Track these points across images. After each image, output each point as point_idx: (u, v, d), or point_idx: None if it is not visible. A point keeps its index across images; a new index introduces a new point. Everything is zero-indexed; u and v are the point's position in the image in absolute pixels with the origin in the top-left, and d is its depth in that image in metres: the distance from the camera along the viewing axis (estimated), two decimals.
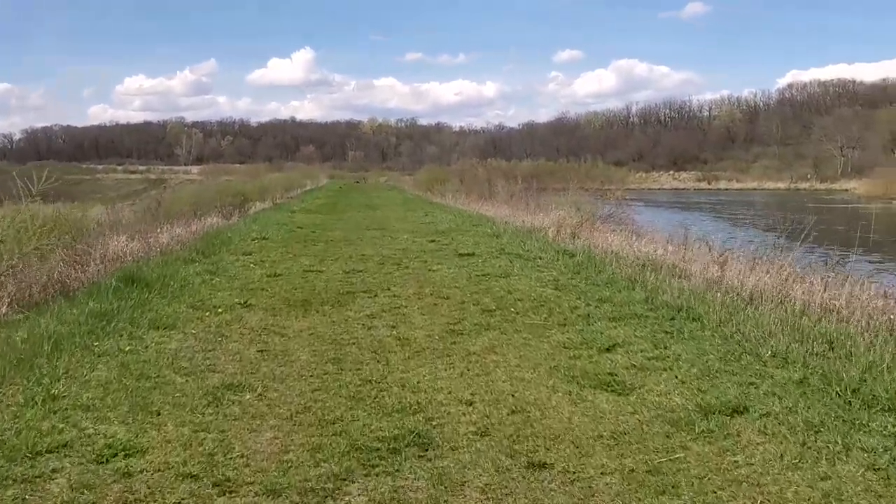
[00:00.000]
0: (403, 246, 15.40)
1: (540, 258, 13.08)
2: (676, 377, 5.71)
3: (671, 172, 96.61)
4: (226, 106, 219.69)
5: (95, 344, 7.04)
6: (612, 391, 5.38)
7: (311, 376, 6.12)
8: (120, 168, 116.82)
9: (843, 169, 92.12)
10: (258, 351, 7.02)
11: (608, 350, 6.59)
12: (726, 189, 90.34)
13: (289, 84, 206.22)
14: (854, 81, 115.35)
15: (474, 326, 7.82)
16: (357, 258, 13.57)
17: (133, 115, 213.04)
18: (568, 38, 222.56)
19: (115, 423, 4.95)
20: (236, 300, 9.43)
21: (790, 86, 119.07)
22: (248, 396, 5.55)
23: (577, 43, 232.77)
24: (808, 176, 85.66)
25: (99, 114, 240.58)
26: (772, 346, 6.42)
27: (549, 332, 7.46)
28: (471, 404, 5.21)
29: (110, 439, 4.63)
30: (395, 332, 7.61)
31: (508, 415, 4.97)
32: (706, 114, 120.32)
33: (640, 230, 20.12)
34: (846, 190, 76.19)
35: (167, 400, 5.43)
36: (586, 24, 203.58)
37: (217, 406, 5.31)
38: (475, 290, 10.13)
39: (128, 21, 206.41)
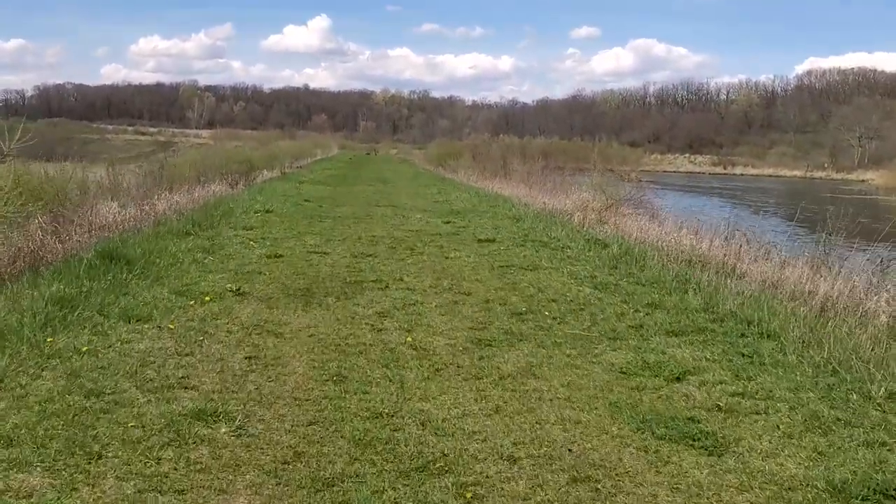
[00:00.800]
0: (417, 227, 14.06)
1: (569, 248, 11.73)
2: (778, 427, 4.39)
3: (687, 155, 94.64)
4: (240, 71, 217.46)
5: (48, 340, 5.75)
6: (701, 449, 4.07)
7: (306, 400, 4.83)
8: (131, 129, 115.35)
9: (860, 159, 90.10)
10: (245, 357, 5.72)
11: (678, 380, 5.27)
12: (742, 175, 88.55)
13: (304, 51, 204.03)
14: (874, 70, 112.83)
15: (504, 335, 6.50)
16: (367, 239, 12.25)
17: (146, 76, 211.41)
18: (586, 15, 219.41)
19: (38, 471, 3.65)
20: (228, 286, 8.12)
21: (809, 73, 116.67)
22: (223, 430, 4.26)
23: (595, 20, 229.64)
24: (826, 165, 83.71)
25: (112, 73, 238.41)
26: (882, 383, 5.09)
27: (598, 349, 6.14)
28: (515, 462, 3.90)
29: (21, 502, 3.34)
30: (410, 339, 6.29)
31: (568, 484, 3.65)
32: (724, 97, 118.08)
33: (669, 217, 18.72)
34: (863, 181, 74.28)
35: (116, 433, 4.14)
36: (605, 2, 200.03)
37: (180, 446, 4.01)
38: (500, 285, 8.81)
39: None
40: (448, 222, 14.81)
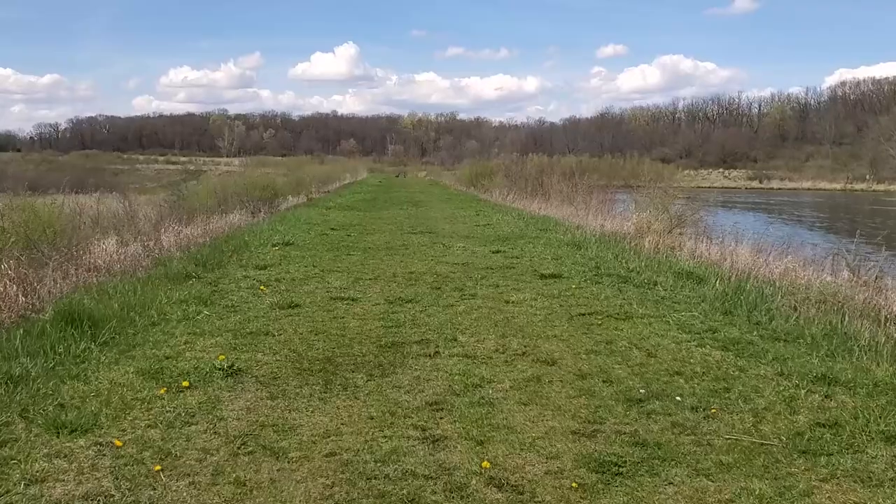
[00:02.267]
0: (461, 258, 11.71)
1: (656, 283, 9.30)
2: None
3: (721, 170, 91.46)
4: (269, 99, 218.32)
5: None
6: None
7: None
8: (161, 159, 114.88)
9: None
10: None
11: None
12: (779, 189, 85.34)
13: (331, 78, 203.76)
14: None
15: (630, 447, 4.10)
16: (403, 277, 9.92)
17: (177, 106, 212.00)
18: (611, 33, 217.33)
19: None
20: (220, 359, 5.80)
21: (843, 83, 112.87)
22: None
23: (620, 38, 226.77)
24: (867, 177, 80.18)
25: (144, 105, 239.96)
26: None
27: (795, 474, 3.71)
28: None
29: None
30: (486, 464, 3.90)
31: None
32: (755, 111, 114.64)
33: (743, 238, 16.20)
34: None
35: None
36: (630, 20, 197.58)
37: None
38: (590, 345, 6.41)
39: (175, 13, 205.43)
40: (497, 252, 12.43)
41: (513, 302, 8.26)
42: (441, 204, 26.98)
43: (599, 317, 7.53)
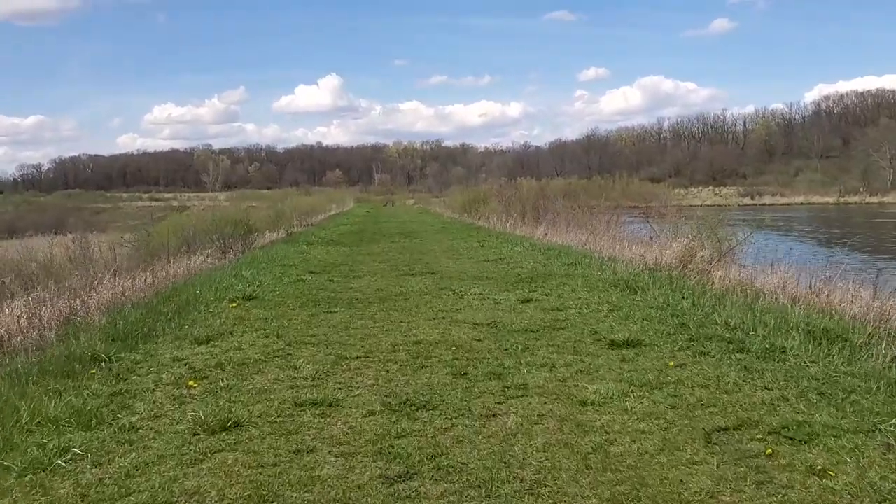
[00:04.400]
0: (483, 314, 8.40)
1: (787, 351, 6.04)
2: None
3: (711, 188, 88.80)
4: (254, 133, 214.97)
5: None
6: None
7: None
8: (146, 196, 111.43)
9: (894, 181, 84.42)
10: None
11: None
12: (772, 204, 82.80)
13: (316, 110, 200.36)
14: (893, 91, 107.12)
15: None
16: (407, 353, 6.59)
17: (162, 143, 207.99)
18: (592, 57, 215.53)
19: None
20: None
21: (826, 97, 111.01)
22: None
23: (601, 61, 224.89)
24: (861, 189, 77.81)
25: (129, 143, 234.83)
26: None
27: None
28: None
29: None
30: None
31: None
32: (740, 127, 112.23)
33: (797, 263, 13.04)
34: None
35: None
36: (610, 43, 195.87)
37: None
38: None
39: (158, 50, 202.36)
40: (528, 300, 9.12)
41: (592, 404, 4.95)
42: (437, 234, 23.67)
43: (758, 435, 4.26)
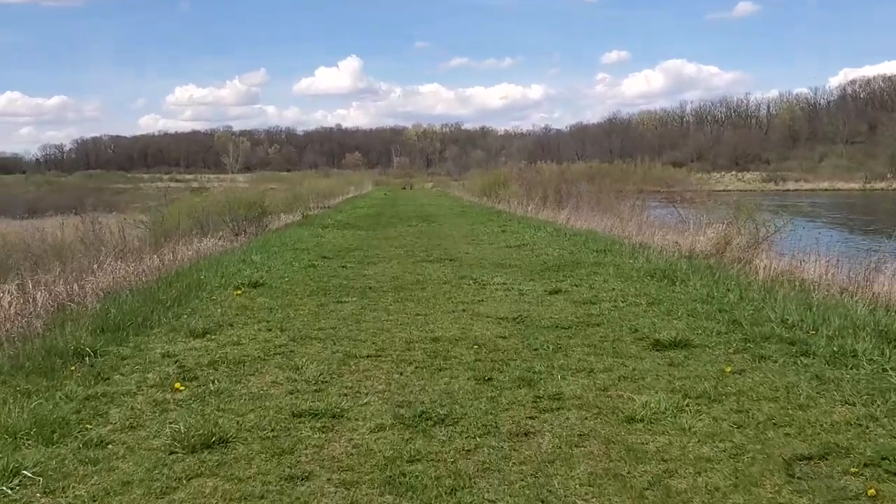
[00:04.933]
0: (508, 306, 7.60)
1: (858, 355, 5.20)
2: None
3: (734, 173, 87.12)
4: (274, 115, 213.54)
5: None
6: None
7: None
8: (166, 177, 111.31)
9: None
10: None
11: None
12: (796, 190, 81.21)
13: (336, 93, 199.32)
14: None
15: None
16: (424, 351, 5.82)
17: (183, 124, 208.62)
18: (614, 39, 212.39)
19: None
20: None
21: (852, 81, 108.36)
22: None
23: (623, 44, 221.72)
24: (888, 175, 75.90)
25: (150, 124, 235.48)
26: None
27: None
28: None
29: None
30: None
31: None
32: (764, 112, 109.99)
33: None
34: None
35: None
36: (633, 26, 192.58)
37: None
38: None
39: (180, 33, 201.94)
40: (556, 291, 8.30)
41: (642, 420, 4.15)
42: (456, 218, 22.86)
43: (852, 468, 3.45)
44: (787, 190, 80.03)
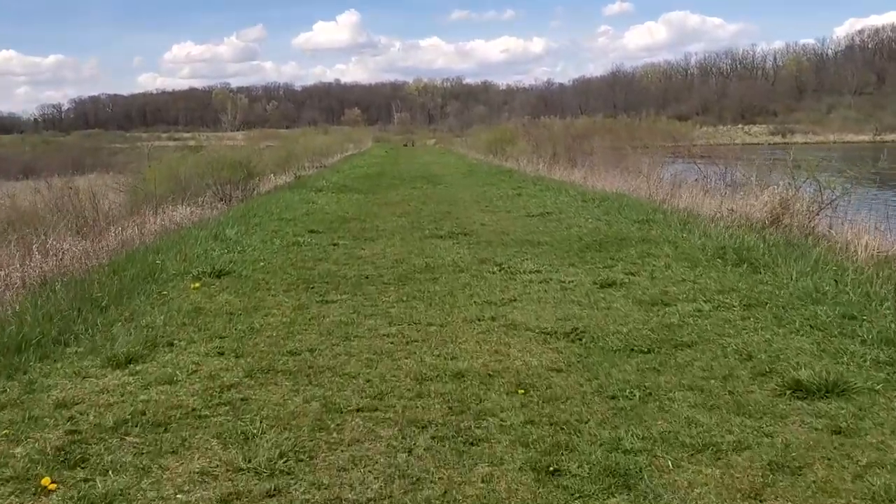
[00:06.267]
0: (553, 314, 5.53)
1: None
2: None
3: (741, 126, 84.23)
4: (272, 71, 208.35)
5: None
6: None
7: None
8: (164, 135, 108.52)
9: None
10: None
11: None
12: (804, 143, 78.33)
13: (334, 47, 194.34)
14: None
15: None
16: (443, 405, 3.77)
17: (181, 82, 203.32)
18: None
19: None
20: None
21: (860, 31, 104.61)
22: None
23: None
24: None
25: (148, 82, 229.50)
26: None
27: None
28: None
29: None
30: None
31: None
32: (770, 64, 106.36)
33: None
34: None
35: None
36: None
37: None
38: None
39: None
40: (610, 285, 6.21)
41: None
42: (464, 179, 20.70)
43: None
44: (796, 143, 77.42)
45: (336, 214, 12.37)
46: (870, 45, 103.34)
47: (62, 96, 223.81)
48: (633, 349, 4.46)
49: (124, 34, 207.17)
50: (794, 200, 10.88)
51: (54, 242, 8.85)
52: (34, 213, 14.36)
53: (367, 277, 6.97)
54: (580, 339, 4.70)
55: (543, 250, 8.06)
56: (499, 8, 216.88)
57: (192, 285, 6.74)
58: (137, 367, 4.50)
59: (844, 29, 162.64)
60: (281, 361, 4.51)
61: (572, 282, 6.36)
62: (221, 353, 4.72)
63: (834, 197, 11.08)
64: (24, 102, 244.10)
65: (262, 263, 7.75)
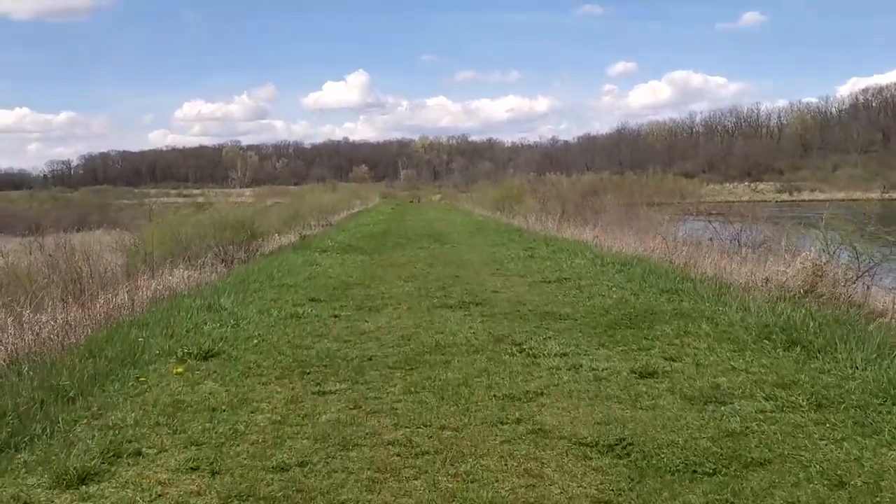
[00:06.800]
0: (589, 415, 4.71)
1: None
2: None
3: (747, 183, 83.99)
4: (282, 130, 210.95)
5: None
6: None
7: None
8: (174, 192, 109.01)
9: None
10: None
11: None
12: (811, 200, 78.15)
13: (343, 106, 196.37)
14: None
15: None
16: None
17: (192, 139, 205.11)
18: (621, 51, 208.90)
19: None
20: None
21: (865, 90, 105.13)
22: None
23: (630, 55, 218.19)
24: None
25: (159, 139, 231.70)
26: None
27: None
28: None
29: None
30: None
31: None
32: (774, 122, 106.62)
33: None
34: None
35: None
36: (639, 37, 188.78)
37: None
38: None
39: (189, 49, 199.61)
40: (649, 375, 5.35)
41: None
42: (471, 238, 19.99)
43: None
44: (803, 200, 77.04)
45: (339, 279, 11.62)
46: (874, 104, 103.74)
47: (73, 152, 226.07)
48: (695, 470, 3.62)
49: (136, 92, 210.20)
50: (830, 267, 10.12)
51: (31, 315, 8.10)
52: (25, 275, 13.66)
53: (370, 359, 6.16)
54: (628, 455, 3.87)
55: (567, 326, 7.25)
56: (504, 69, 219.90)
57: (175, 370, 5.95)
58: (91, 489, 3.68)
59: (847, 88, 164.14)
60: (264, 482, 3.69)
61: (606, 369, 5.54)
62: (195, 469, 3.89)
63: (872, 265, 10.35)
64: (34, 159, 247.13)
65: (255, 341, 6.95)
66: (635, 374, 5.38)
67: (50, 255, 14.95)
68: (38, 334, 7.93)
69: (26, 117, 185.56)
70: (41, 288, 11.08)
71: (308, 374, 5.74)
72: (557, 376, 5.42)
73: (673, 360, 5.74)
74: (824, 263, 10.18)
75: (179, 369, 5.97)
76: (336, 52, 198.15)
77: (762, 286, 9.21)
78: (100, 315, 9.38)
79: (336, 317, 8.19)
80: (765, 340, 6.23)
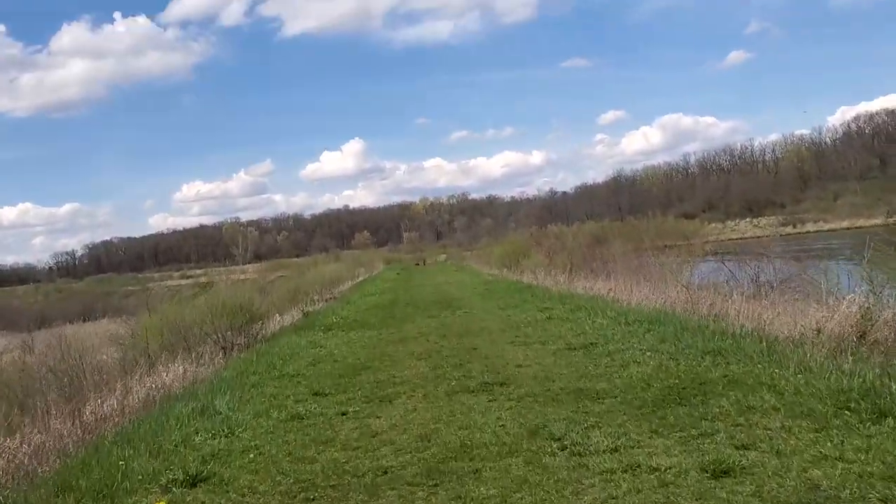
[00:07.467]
0: None
1: None
2: None
3: (748, 219, 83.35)
4: (281, 203, 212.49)
5: None
6: None
7: None
8: (177, 274, 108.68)
9: None
10: None
11: None
12: (816, 231, 77.45)
13: (341, 175, 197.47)
14: None
15: None
16: None
17: (192, 220, 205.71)
18: (610, 100, 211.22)
19: None
20: None
21: (856, 118, 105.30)
22: None
23: (619, 104, 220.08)
24: None
25: (160, 222, 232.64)
26: None
27: None
28: None
29: None
30: None
31: None
32: (769, 156, 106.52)
33: None
34: None
35: None
36: (627, 85, 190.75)
37: None
38: None
39: (185, 132, 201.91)
40: (723, 473, 4.40)
41: None
42: (483, 301, 19.06)
43: None
44: (808, 232, 76.22)
45: (346, 362, 10.68)
46: (867, 131, 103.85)
47: (77, 242, 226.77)
48: None
49: (135, 178, 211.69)
50: (880, 310, 9.18)
51: (1, 440, 7.20)
52: (16, 380, 12.86)
53: (385, 473, 5.20)
54: None
55: (607, 407, 6.29)
56: (497, 126, 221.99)
57: (158, 502, 5.00)
58: None
59: (837, 118, 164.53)
60: None
61: (670, 469, 4.57)
62: None
63: None
64: (39, 252, 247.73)
65: (251, 455, 5.99)
66: (707, 472, 4.42)
67: (42, 358, 14.15)
68: (9, 462, 7.03)
69: (29, 212, 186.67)
70: (29, 395, 10.26)
71: (312, 501, 4.78)
72: (613, 483, 4.45)
73: (746, 449, 4.78)
74: (872, 305, 9.28)
75: (162, 503, 5.02)
76: (331, 123, 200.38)
77: (812, 338, 8.26)
78: (89, 422, 8.51)
79: (343, 414, 7.22)
80: (846, 412, 5.27)
